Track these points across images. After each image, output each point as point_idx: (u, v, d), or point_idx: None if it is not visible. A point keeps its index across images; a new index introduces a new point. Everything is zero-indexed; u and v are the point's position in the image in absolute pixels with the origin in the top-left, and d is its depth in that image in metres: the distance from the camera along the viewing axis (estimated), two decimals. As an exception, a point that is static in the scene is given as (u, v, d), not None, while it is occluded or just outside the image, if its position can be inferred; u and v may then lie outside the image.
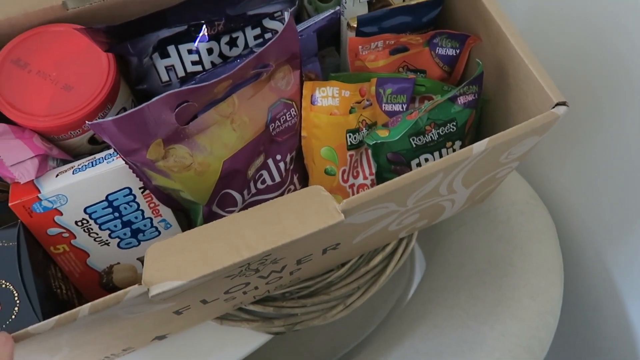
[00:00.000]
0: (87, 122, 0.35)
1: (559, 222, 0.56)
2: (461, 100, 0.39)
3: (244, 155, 0.37)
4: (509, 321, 0.46)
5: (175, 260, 0.30)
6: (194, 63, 0.40)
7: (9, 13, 0.37)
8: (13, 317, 0.32)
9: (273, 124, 0.38)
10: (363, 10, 0.40)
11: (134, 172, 0.35)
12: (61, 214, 0.36)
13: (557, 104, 0.34)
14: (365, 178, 0.42)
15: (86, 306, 0.29)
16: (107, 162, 0.36)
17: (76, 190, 0.35)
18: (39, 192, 0.34)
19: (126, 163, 0.34)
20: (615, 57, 0.48)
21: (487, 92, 0.42)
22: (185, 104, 0.33)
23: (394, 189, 0.32)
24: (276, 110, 0.37)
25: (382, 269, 0.49)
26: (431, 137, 0.40)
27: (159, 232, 0.40)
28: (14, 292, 0.33)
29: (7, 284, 0.33)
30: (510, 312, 0.46)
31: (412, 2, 0.40)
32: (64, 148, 0.38)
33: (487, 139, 0.33)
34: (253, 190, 0.39)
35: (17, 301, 0.32)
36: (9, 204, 0.34)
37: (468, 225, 0.57)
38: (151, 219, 0.39)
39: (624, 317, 0.53)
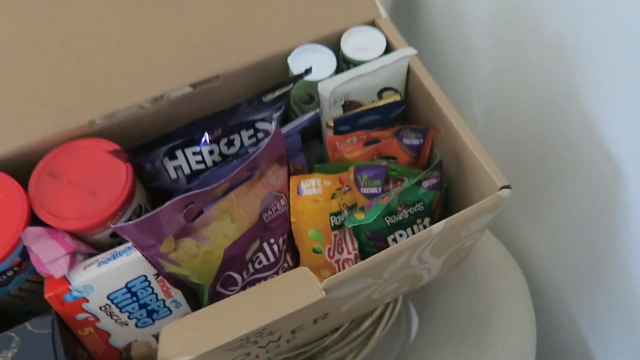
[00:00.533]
0: (111, 225, 0.42)
1: (531, 279, 0.61)
2: (426, 184, 0.46)
3: (242, 243, 0.43)
4: (488, 377, 0.50)
5: (185, 338, 0.36)
6: (198, 162, 0.48)
7: (45, 132, 0.45)
8: (49, 395, 0.38)
9: (266, 214, 0.44)
10: (338, 111, 0.48)
11: (149, 262, 0.41)
12: (88, 301, 0.42)
13: (502, 187, 0.41)
14: (349, 253, 0.48)
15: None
16: (127, 255, 0.42)
17: (101, 280, 0.41)
18: (70, 284, 0.41)
19: (143, 255, 0.40)
20: (563, 133, 0.55)
21: (449, 175, 0.49)
22: (192, 205, 0.40)
23: (367, 267, 0.38)
24: (267, 202, 0.44)
25: (371, 332, 0.54)
26: (402, 216, 0.46)
27: (171, 311, 0.45)
28: (50, 373, 0.38)
29: (44, 366, 0.38)
30: (489, 368, 0.51)
31: (380, 103, 0.48)
32: (90, 243, 0.45)
33: (443, 221, 0.40)
34: (251, 271, 0.46)
35: (52, 381, 0.38)
36: (45, 296, 0.40)
37: (453, 286, 0.62)
38: (164, 301, 0.44)
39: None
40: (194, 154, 0.47)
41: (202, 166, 0.48)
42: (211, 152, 0.47)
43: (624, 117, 0.45)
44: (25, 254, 0.42)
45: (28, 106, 0.45)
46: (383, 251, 0.38)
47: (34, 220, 0.43)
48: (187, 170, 0.48)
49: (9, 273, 0.42)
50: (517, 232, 0.65)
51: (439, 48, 0.74)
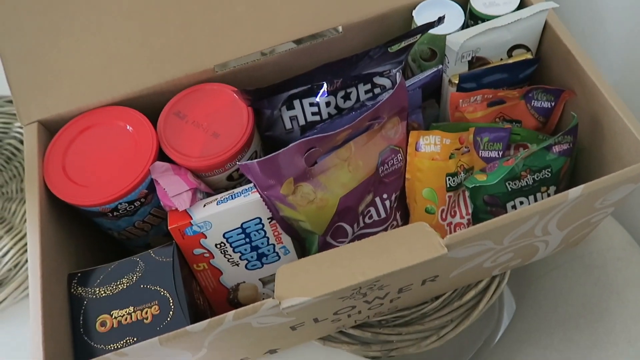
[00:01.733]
0: (237, 162, 0.43)
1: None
2: (556, 149, 0.42)
3: (357, 194, 0.42)
4: (605, 364, 0.46)
5: (302, 280, 0.36)
6: (313, 114, 0.48)
7: (174, 75, 0.47)
8: (168, 319, 0.40)
9: (382, 167, 0.43)
10: (463, 68, 0.45)
11: (266, 204, 0.42)
12: (206, 237, 0.43)
13: (652, 155, 0.37)
14: (462, 217, 0.46)
15: (231, 313, 0.36)
16: (244, 196, 0.43)
17: (219, 218, 0.42)
18: (191, 218, 0.42)
19: (261, 196, 0.41)
20: None
21: (582, 142, 0.45)
22: (313, 149, 0.40)
23: (493, 228, 0.36)
24: (385, 155, 0.43)
25: (474, 304, 0.52)
26: (526, 182, 0.43)
27: (279, 257, 0.46)
28: (170, 299, 0.40)
29: (165, 292, 0.40)
30: (607, 356, 0.47)
31: (510, 61, 0.45)
32: (208, 183, 0.47)
33: (582, 185, 0.36)
34: (362, 224, 0.45)
35: (172, 306, 0.40)
36: (169, 227, 0.42)
37: (561, 268, 0.58)
38: (274, 245, 0.45)
39: None
40: (311, 104, 0.47)
41: (317, 118, 0.48)
42: (327, 104, 0.47)
43: None
44: (152, 186, 0.44)
45: (160, 50, 0.47)
46: (513, 212, 0.36)
47: (161, 156, 0.45)
48: (302, 121, 0.48)
49: (137, 203, 0.44)
50: (643, 218, 0.59)
51: (564, 17, 0.68)
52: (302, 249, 0.48)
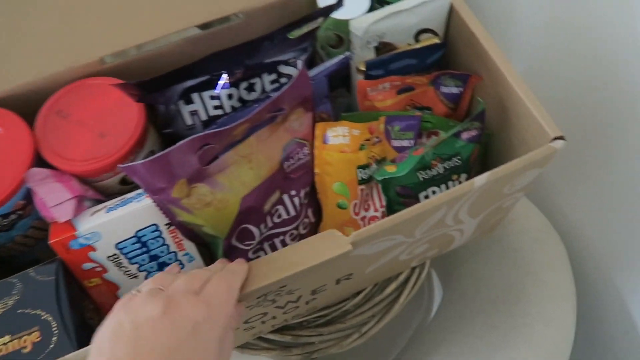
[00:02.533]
0: (118, 165, 0.39)
1: (571, 250, 0.56)
2: (465, 135, 0.41)
3: (261, 192, 0.39)
4: (522, 347, 0.46)
5: None
6: (215, 107, 0.44)
7: (55, 68, 0.42)
8: (52, 346, 0.35)
9: (287, 162, 0.40)
10: (370, 54, 0.43)
11: (160, 209, 0.38)
12: (95, 249, 0.39)
13: (555, 138, 0.36)
14: (376, 210, 0.44)
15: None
16: (137, 201, 0.39)
17: (109, 227, 0.38)
18: (76, 230, 0.38)
19: (154, 201, 0.37)
20: (617, 90, 0.49)
21: (490, 127, 0.44)
22: (207, 146, 0.36)
23: (400, 222, 0.34)
24: (290, 149, 0.40)
25: (395, 297, 0.51)
26: (437, 171, 0.42)
27: (183, 265, 0.42)
28: (53, 322, 0.36)
29: (47, 315, 0.36)
30: (524, 338, 0.47)
31: (417, 46, 0.43)
32: (98, 189, 0.42)
33: (487, 173, 0.35)
34: (270, 224, 0.42)
35: (55, 331, 0.35)
36: (49, 242, 0.37)
37: (482, 253, 0.58)
38: (175, 253, 0.41)
39: (638, 342, 0.53)
40: (212, 98, 0.43)
41: (220, 112, 0.44)
42: (230, 97, 0.43)
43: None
44: (29, 196, 0.39)
45: (36, 42, 0.42)
46: (419, 204, 0.34)
47: (40, 161, 0.40)
48: (203, 117, 0.44)
49: (13, 217, 0.39)
50: (557, 200, 0.60)
51: (478, 3, 0.68)
52: (210, 254, 0.44)
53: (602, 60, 0.51)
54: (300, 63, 0.40)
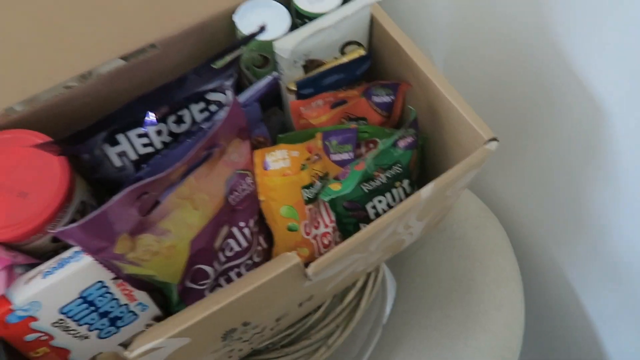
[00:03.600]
0: (49, 230, 0.36)
1: (510, 231, 0.60)
2: (401, 144, 0.42)
3: (209, 231, 0.38)
4: (480, 335, 0.49)
5: (156, 330, 0.31)
6: (145, 145, 0.42)
7: (-48, 128, 0.37)
8: None
9: (232, 195, 0.39)
10: (299, 73, 0.43)
11: (104, 266, 0.35)
12: (37, 319, 0.36)
13: (489, 140, 0.38)
14: (326, 226, 0.44)
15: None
16: (76, 261, 0.36)
17: (49, 294, 0.35)
18: (11, 303, 0.35)
19: (95, 259, 0.35)
20: (536, 73, 0.52)
21: (425, 131, 0.45)
22: (145, 195, 0.34)
23: (355, 245, 0.34)
24: (233, 182, 0.39)
25: (356, 304, 0.52)
26: (380, 181, 0.42)
27: (137, 316, 0.40)
28: (0, 410, 0.33)
29: (-8, 403, 0.33)
30: (480, 326, 0.49)
31: (344, 60, 0.43)
32: (28, 252, 0.39)
33: (432, 183, 0.36)
34: (223, 259, 0.41)
35: (5, 418, 0.32)
36: (-18, 322, 0.34)
37: (428, 245, 0.60)
38: (127, 305, 0.39)
39: (583, 314, 0.57)
40: (139, 136, 0.41)
41: (150, 149, 0.42)
42: (159, 133, 0.41)
43: (604, 51, 0.42)
44: (-51, 275, 0.35)
45: None
46: (371, 225, 0.35)
47: (-46, 234, 0.36)
48: (133, 156, 0.42)
49: None
50: (491, 184, 0.63)
51: (391, 5, 0.69)
52: (163, 297, 0.42)
53: (513, 49, 0.53)
54: (230, 94, 0.38)
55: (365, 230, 0.34)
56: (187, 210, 0.37)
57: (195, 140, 0.39)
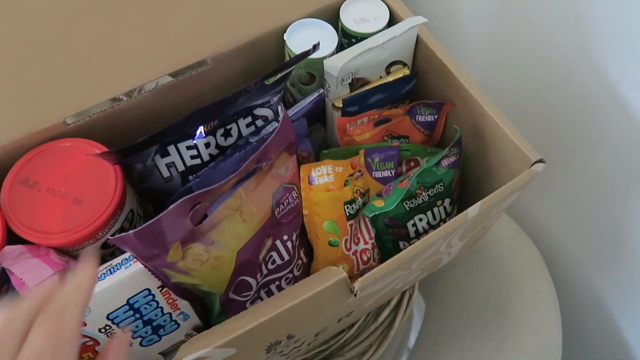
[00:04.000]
0: (104, 235, 0.37)
1: (546, 254, 0.59)
2: (445, 162, 0.42)
3: (255, 243, 0.39)
4: (517, 358, 0.48)
5: (203, 339, 0.32)
6: (192, 157, 0.43)
7: (11, 136, 0.39)
8: None
9: (278, 209, 0.40)
10: (345, 90, 0.43)
11: (153, 273, 0.36)
12: (85, 324, 0.36)
13: (535, 162, 0.38)
14: (365, 243, 0.44)
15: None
16: (125, 268, 0.37)
17: (98, 299, 0.36)
18: (62, 307, 0.35)
19: (146, 267, 0.35)
20: (573, 95, 0.52)
21: (467, 150, 0.45)
22: (198, 205, 0.35)
23: (401, 262, 0.35)
24: (279, 195, 0.40)
25: (390, 322, 0.51)
26: (422, 199, 0.43)
27: (178, 325, 0.41)
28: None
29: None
30: (517, 349, 0.49)
31: (390, 79, 0.44)
32: (79, 257, 0.39)
33: (479, 203, 0.36)
34: (265, 272, 0.41)
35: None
36: (35, 324, 0.35)
37: (461, 265, 0.60)
38: (170, 314, 0.40)
39: (621, 340, 0.56)
40: (188, 148, 0.42)
41: (197, 161, 0.43)
42: (207, 145, 0.42)
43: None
44: (5, 277, 0.36)
45: (-11, 106, 0.39)
46: (417, 243, 0.35)
47: (12, 237, 0.37)
48: (180, 167, 0.43)
49: (-12, 301, 0.36)
50: (527, 206, 0.63)
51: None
52: (204, 308, 0.43)
53: (550, 69, 0.54)
54: (281, 109, 0.39)
55: (413, 247, 0.34)
56: (235, 222, 0.37)
57: (245, 153, 0.40)
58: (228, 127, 0.43)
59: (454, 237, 0.40)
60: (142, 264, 0.35)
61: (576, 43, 0.48)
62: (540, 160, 0.38)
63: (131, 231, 0.32)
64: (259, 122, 0.44)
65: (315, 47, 0.39)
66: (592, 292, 0.57)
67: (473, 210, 0.36)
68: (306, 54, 0.39)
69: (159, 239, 0.33)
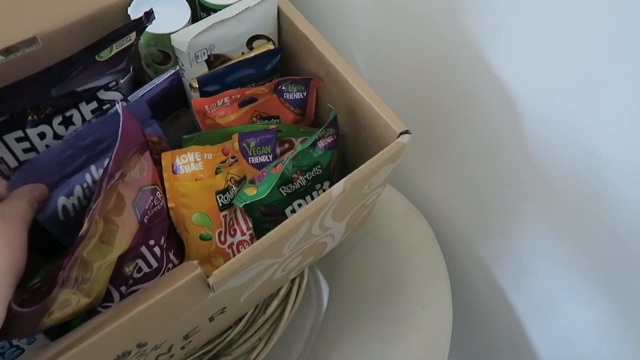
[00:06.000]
0: None
1: (437, 229, 0.59)
2: (321, 144, 0.40)
3: (125, 259, 0.34)
4: (409, 335, 0.47)
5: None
6: (26, 150, 0.37)
7: None
8: None
9: (146, 217, 0.35)
10: (203, 69, 0.40)
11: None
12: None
13: (401, 133, 0.36)
14: (243, 234, 0.41)
15: None
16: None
17: None
18: None
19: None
20: (452, 71, 0.52)
21: (342, 128, 0.43)
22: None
23: (262, 250, 0.32)
24: (142, 201, 0.35)
25: (280, 313, 0.49)
26: (300, 183, 0.40)
27: (22, 350, 0.35)
28: None
29: None
30: (409, 325, 0.48)
31: (251, 54, 0.41)
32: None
33: (343, 180, 0.34)
34: (130, 282, 0.36)
35: None
36: None
37: (357, 246, 0.58)
38: (10, 341, 0.34)
39: (507, 308, 0.58)
40: (18, 140, 0.36)
41: (33, 154, 0.37)
42: (42, 136, 0.37)
43: (519, 46, 0.42)
44: None
45: None
46: (278, 227, 0.32)
47: None
48: (13, 163, 0.37)
49: None
50: (417, 183, 0.63)
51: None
52: (60, 327, 0.37)
53: (430, 42, 0.53)
54: (119, 105, 0.34)
55: (272, 234, 0.32)
56: (96, 249, 0.32)
57: (77, 138, 0.35)
58: (67, 113, 0.37)
59: (326, 217, 0.37)
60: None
61: (451, 24, 0.48)
62: (406, 132, 0.36)
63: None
64: (107, 106, 0.39)
65: (148, 16, 0.35)
66: (480, 265, 0.58)
67: (337, 188, 0.34)
68: (138, 23, 0.35)
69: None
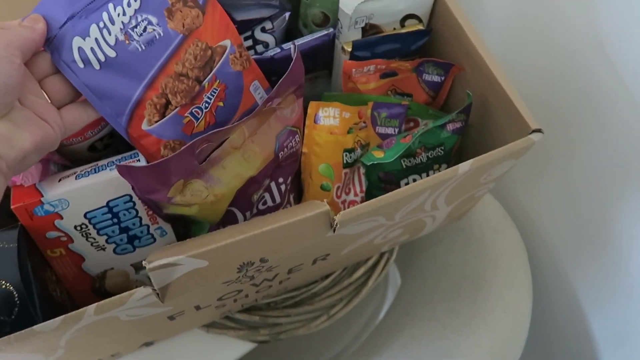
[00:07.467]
0: (99, 130, 0.37)
1: (527, 240, 0.59)
2: (450, 127, 0.42)
3: (254, 183, 0.38)
4: (482, 332, 0.49)
5: (177, 247, 0.31)
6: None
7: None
8: (13, 317, 0.33)
9: (282, 152, 0.39)
10: (357, 35, 0.43)
11: (145, 204, 0.36)
12: (62, 217, 0.36)
13: (533, 131, 0.38)
14: (356, 195, 0.44)
15: (92, 306, 0.30)
16: (110, 169, 0.37)
17: (78, 195, 0.36)
18: (42, 195, 0.35)
19: (140, 198, 0.35)
20: (581, 87, 0.52)
21: (470, 118, 0.45)
22: (206, 144, 0.34)
23: (387, 203, 0.35)
24: (283, 137, 0.39)
25: (364, 281, 0.52)
26: (421, 159, 0.42)
27: (154, 239, 0.41)
28: (14, 292, 0.33)
29: (8, 285, 0.33)
30: (484, 323, 0.49)
31: (403, 31, 0.44)
32: (65, 154, 0.39)
33: (471, 160, 0.36)
34: (254, 211, 0.41)
35: (17, 301, 0.33)
36: (12, 207, 0.35)
37: (444, 242, 0.60)
38: (148, 226, 0.40)
39: (586, 332, 0.57)
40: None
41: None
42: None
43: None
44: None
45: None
46: (402, 188, 0.35)
47: None
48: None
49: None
50: (515, 193, 0.63)
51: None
52: (185, 230, 0.43)
53: (569, 57, 0.53)
54: (293, 48, 0.38)
55: (399, 191, 0.34)
56: (237, 160, 0.37)
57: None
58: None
59: (441, 195, 0.39)
60: (137, 195, 0.34)
61: (589, 26, 0.48)
62: (539, 130, 0.37)
63: (141, 165, 0.32)
64: (260, 48, 0.43)
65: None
66: (566, 283, 0.58)
67: (464, 166, 0.36)
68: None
69: (165, 176, 0.33)
